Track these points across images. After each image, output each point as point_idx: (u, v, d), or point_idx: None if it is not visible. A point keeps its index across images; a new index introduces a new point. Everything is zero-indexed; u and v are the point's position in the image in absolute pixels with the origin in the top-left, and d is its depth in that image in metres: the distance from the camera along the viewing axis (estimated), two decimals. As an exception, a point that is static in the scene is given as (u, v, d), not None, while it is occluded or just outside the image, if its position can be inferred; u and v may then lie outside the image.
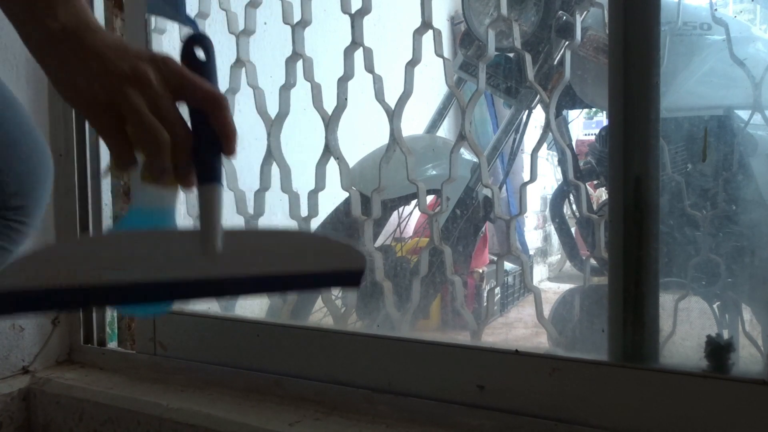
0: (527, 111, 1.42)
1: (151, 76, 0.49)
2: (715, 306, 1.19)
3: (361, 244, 1.07)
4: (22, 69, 1.20)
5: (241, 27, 1.16)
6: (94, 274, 0.48)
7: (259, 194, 1.17)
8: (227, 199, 1.20)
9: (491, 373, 0.91)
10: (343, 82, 1.07)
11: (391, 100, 1.04)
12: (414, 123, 1.60)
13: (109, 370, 1.23)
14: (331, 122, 1.09)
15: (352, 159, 1.19)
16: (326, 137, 1.09)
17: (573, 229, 1.47)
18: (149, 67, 0.50)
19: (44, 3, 0.51)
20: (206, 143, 0.51)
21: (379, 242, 1.54)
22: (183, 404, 1.05)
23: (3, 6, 0.53)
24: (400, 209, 1.59)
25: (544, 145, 1.01)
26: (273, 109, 1.14)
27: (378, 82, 1.04)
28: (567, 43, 1.29)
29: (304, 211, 1.13)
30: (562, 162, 1.33)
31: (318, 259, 0.56)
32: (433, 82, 1.56)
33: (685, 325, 0.95)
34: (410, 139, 1.28)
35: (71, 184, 1.28)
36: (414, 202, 1.43)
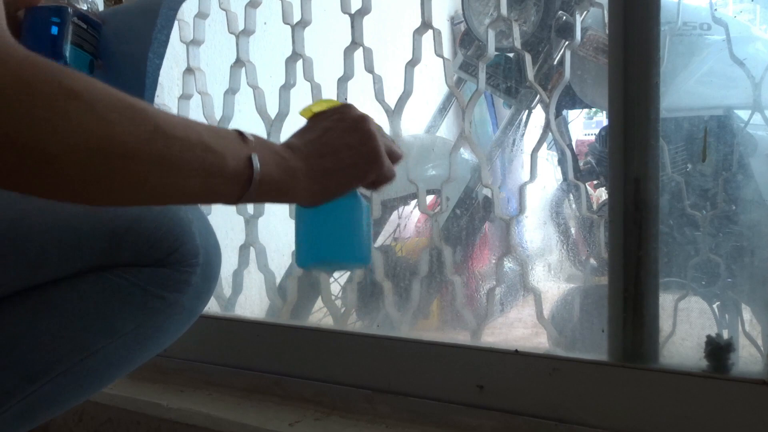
0: (527, 111, 1.42)
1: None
2: (715, 306, 1.19)
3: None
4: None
5: (241, 27, 1.16)
6: None
7: (259, 194, 1.17)
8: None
9: (491, 373, 0.91)
10: (343, 82, 1.07)
11: (391, 100, 1.04)
12: (414, 123, 1.60)
13: (109, 370, 1.23)
14: (331, 122, 1.08)
15: (352, 159, 1.19)
16: (326, 137, 1.09)
17: (573, 229, 1.47)
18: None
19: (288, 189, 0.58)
20: None
21: (379, 242, 1.54)
22: (183, 404, 1.05)
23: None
24: (400, 209, 1.59)
25: (544, 145, 1.01)
26: (273, 109, 1.14)
27: (378, 82, 1.04)
28: (567, 43, 1.29)
29: (304, 211, 1.13)
30: (562, 162, 1.33)
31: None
32: (433, 82, 1.56)
33: (685, 325, 0.94)
34: (410, 139, 1.28)
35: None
36: (414, 202, 1.43)
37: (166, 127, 0.48)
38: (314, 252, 0.66)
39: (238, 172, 0.53)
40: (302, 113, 0.67)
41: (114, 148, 0.45)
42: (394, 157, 0.65)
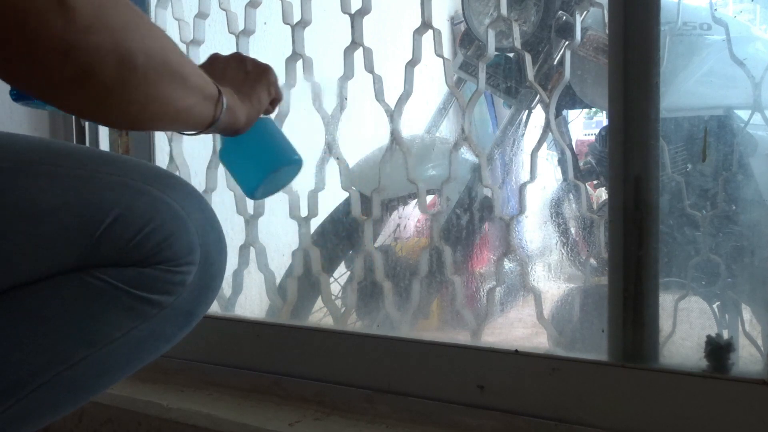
0: (527, 111, 1.42)
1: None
2: (715, 306, 1.18)
3: (361, 244, 1.07)
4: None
5: (241, 27, 1.16)
6: None
7: (259, 194, 1.17)
8: (227, 199, 1.20)
9: (491, 373, 0.91)
10: (343, 82, 1.07)
11: (391, 100, 1.04)
12: (414, 123, 1.60)
13: (109, 370, 1.23)
14: (331, 122, 1.09)
15: (352, 159, 1.19)
16: (326, 137, 1.09)
17: (573, 229, 1.47)
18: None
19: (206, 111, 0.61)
20: None
21: (379, 242, 1.54)
22: (183, 404, 1.05)
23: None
24: (400, 209, 1.59)
25: (544, 145, 1.01)
26: (273, 109, 1.14)
27: (378, 82, 1.04)
28: (567, 43, 1.29)
29: (304, 211, 1.13)
30: (562, 162, 1.33)
31: None
32: (433, 82, 1.56)
33: (685, 325, 0.94)
34: (410, 139, 1.28)
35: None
36: (414, 201, 1.43)
37: (178, 49, 0.55)
38: (257, 172, 0.74)
39: (215, 95, 0.61)
40: None
41: (168, 63, 0.51)
42: None
